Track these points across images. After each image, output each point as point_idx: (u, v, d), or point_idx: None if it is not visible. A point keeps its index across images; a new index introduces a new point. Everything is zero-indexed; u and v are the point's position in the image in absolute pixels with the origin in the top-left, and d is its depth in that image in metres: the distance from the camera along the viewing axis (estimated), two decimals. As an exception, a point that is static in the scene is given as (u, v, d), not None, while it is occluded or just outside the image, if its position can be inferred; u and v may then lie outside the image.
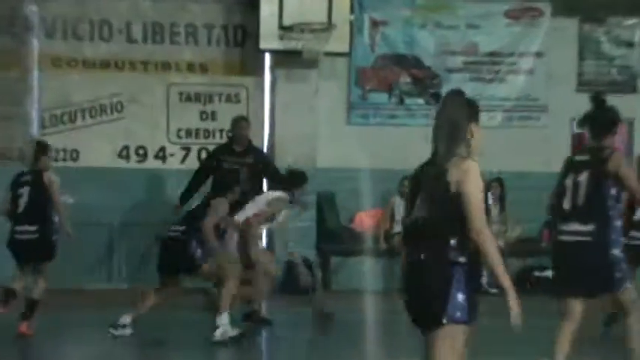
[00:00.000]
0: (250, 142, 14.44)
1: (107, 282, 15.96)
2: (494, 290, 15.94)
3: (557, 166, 16.58)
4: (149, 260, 13.41)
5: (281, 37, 15.80)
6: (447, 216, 6.04)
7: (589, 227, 8.38)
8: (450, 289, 5.98)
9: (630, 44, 17.74)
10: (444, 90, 16.66)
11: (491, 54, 17.33)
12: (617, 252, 8.31)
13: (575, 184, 8.50)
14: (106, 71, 16.26)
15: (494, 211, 16.73)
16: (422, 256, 6.05)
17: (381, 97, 16.74)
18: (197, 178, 14.06)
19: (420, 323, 6.13)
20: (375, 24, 16.92)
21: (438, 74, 17.18)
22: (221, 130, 15.94)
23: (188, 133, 16.29)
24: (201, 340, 11.67)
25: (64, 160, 15.88)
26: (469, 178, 6.00)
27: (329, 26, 15.74)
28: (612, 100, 16.82)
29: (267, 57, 16.42)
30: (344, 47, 16.15)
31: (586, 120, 8.84)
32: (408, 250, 6.19)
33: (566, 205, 8.53)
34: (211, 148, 15.30)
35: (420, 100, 17.11)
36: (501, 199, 16.82)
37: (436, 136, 6.14)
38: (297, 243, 14.41)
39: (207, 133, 16.33)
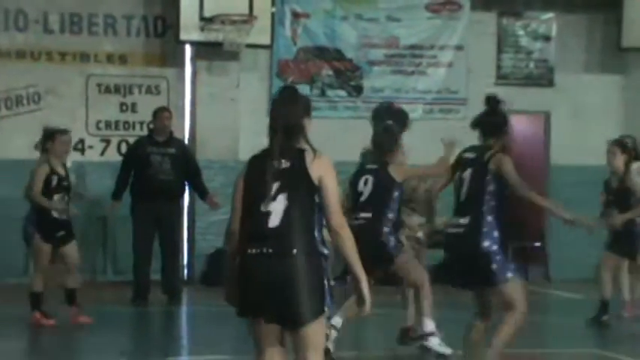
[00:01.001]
0: (172, 134, 14.51)
1: (24, 276, 15.17)
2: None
3: None
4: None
5: (202, 29, 15.76)
6: (309, 209, 6.23)
7: (465, 220, 8.56)
8: (324, 279, 6.23)
9: (547, 38, 17.82)
10: (366, 82, 17.25)
11: (412, 47, 17.34)
12: (488, 244, 8.38)
13: (461, 180, 8.67)
14: (21, 62, 16.11)
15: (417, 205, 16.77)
16: (294, 251, 6.14)
17: (303, 89, 15.87)
18: (125, 172, 14.04)
19: (294, 318, 6.16)
20: (296, 16, 16.92)
21: (360, 67, 17.18)
22: (141, 122, 15.85)
23: (108, 125, 16.16)
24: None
25: None
26: (330, 172, 6.29)
27: (250, 18, 15.69)
28: (529, 92, 17.48)
29: (188, 48, 16.42)
30: (265, 39, 16.20)
31: (478, 122, 8.99)
32: (268, 244, 6.18)
33: (455, 199, 8.74)
34: (131, 140, 15.31)
35: (342, 92, 17.12)
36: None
37: (273, 130, 6.35)
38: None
39: (127, 125, 16.21)
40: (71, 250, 12.13)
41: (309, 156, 6.29)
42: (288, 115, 6.38)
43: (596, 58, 18.00)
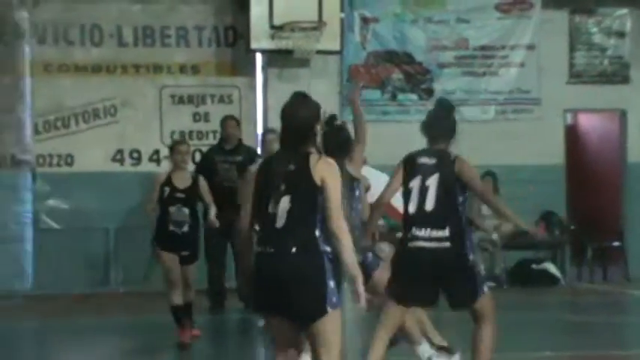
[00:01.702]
0: (240, 141, 14.61)
1: (102, 286, 15.90)
2: (490, 283, 15.93)
3: (550, 159, 16.97)
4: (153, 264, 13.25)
5: (272, 37, 15.78)
6: (311, 209, 6.32)
7: (445, 232, 8.06)
8: (325, 278, 6.26)
9: (621, 34, 17.73)
10: (436, 85, 17.15)
11: (483, 48, 17.28)
12: (473, 257, 8.09)
13: (423, 188, 8.15)
14: (97, 75, 16.21)
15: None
16: (293, 250, 6.26)
17: (374, 94, 16.62)
18: None
19: (298, 316, 6.27)
20: (365, 21, 16.88)
21: (430, 70, 17.14)
22: (214, 132, 15.76)
23: (181, 135, 16.09)
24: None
25: (59, 165, 15.92)
26: (334, 175, 6.37)
27: (319, 24, 15.73)
28: (604, 90, 17.33)
29: (259, 57, 16.40)
30: (335, 45, 16.17)
31: (429, 124, 8.50)
32: (273, 243, 6.30)
33: (412, 208, 8.17)
34: (205, 149, 15.24)
35: (413, 96, 17.05)
36: (496, 192, 16.35)
37: (287, 135, 6.49)
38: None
39: (201, 135, 16.24)
40: (192, 270, 11.69)
41: (313, 158, 6.39)
42: (300, 120, 6.48)
43: None
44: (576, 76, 17.57)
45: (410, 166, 8.26)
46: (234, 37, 16.45)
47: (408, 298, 8.09)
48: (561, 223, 17.35)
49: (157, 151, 16.05)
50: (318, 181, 6.34)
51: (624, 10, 17.68)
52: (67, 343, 12.03)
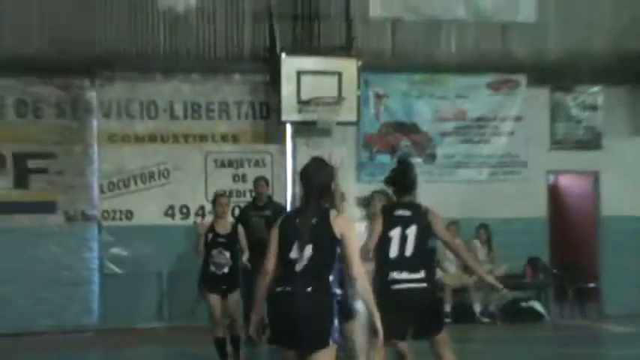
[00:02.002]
0: (270, 198, 14.79)
1: (158, 321, 16.01)
2: (485, 319, 16.40)
3: (535, 213, 17.11)
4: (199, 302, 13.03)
5: (299, 111, 15.95)
6: (330, 257, 6.51)
7: (421, 274, 8.13)
8: (332, 316, 6.47)
9: (594, 108, 17.74)
10: (439, 150, 17.05)
11: (478, 119, 17.32)
12: (441, 295, 8.30)
13: (404, 236, 8.16)
14: (153, 144, 16.30)
15: (483, 251, 16.85)
16: (308, 289, 6.44)
17: (386, 158, 16.54)
18: None
19: (304, 346, 6.43)
20: (378, 97, 17.00)
21: (433, 137, 17.14)
22: (250, 191, 15.61)
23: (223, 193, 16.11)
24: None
25: (121, 219, 16.02)
26: (351, 229, 6.61)
27: (339, 100, 15.93)
28: (580, 155, 17.46)
29: (288, 127, 16.49)
30: (353, 117, 16.24)
31: (394, 179, 8.55)
32: (291, 284, 6.46)
33: (393, 254, 8.18)
34: (242, 205, 15.23)
35: (419, 160, 16.81)
36: (488, 242, 16.90)
37: (307, 192, 6.66)
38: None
39: (239, 193, 16.27)
40: (230, 302, 11.65)
41: (332, 214, 6.59)
42: (319, 180, 6.63)
43: (636, 124, 17.72)
44: (557, 143, 17.61)
45: (388, 218, 8.26)
46: (267, 111, 16.59)
47: (391, 334, 7.62)
48: (545, 267, 17.39)
49: (202, 207, 16.09)
50: (338, 235, 6.52)
51: (596, 88, 17.71)
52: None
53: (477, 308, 16.72)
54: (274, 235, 6.73)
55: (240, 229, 12.03)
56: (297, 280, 6.48)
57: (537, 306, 17.15)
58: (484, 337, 15.44)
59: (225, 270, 11.72)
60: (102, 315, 15.88)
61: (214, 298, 11.60)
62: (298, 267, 6.50)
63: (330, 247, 6.55)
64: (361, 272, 6.61)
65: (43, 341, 14.87)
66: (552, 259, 17.59)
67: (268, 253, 6.73)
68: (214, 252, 11.71)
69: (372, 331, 6.67)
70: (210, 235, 11.77)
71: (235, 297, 11.80)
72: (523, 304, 17.07)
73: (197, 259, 11.96)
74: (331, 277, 6.54)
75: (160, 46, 16.44)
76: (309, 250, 6.52)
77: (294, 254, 6.52)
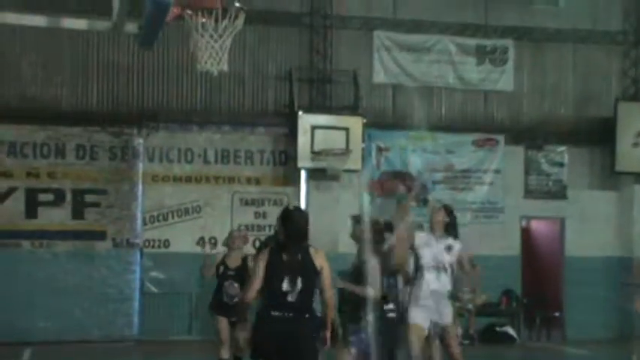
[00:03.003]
0: None
1: (188, 334, 15.96)
2: (466, 342, 16.41)
3: (510, 252, 17.20)
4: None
5: (312, 159, 16.04)
6: (313, 286, 6.76)
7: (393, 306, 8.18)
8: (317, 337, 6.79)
9: (561, 164, 17.74)
10: (430, 197, 16.64)
11: (464, 171, 17.31)
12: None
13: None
14: (188, 184, 16.31)
15: (466, 281, 16.88)
16: (306, 315, 6.66)
17: (384, 202, 15.79)
18: None
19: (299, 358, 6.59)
20: (379, 149, 17.00)
21: (426, 185, 17.05)
22: (270, 225, 15.46)
23: (247, 227, 16.00)
24: None
25: (159, 247, 16.06)
26: (327, 263, 6.85)
27: (346, 151, 16.02)
28: (549, 203, 17.51)
29: (303, 173, 16.51)
30: (357, 166, 16.25)
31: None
32: (289, 311, 6.59)
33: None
34: (262, 238, 14.57)
35: (413, 204, 15.94)
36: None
37: (291, 234, 6.79)
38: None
39: (260, 227, 16.21)
40: (238, 332, 10.56)
41: (312, 250, 6.78)
42: (303, 225, 6.85)
43: (597, 179, 17.75)
44: (529, 193, 17.62)
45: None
46: (285, 158, 16.61)
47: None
48: (518, 298, 17.33)
49: None
50: (318, 267, 6.75)
51: (563, 148, 17.68)
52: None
53: (459, 332, 16.77)
54: (260, 268, 6.76)
55: (251, 262, 10.83)
56: (294, 307, 6.60)
57: (510, 331, 17.14)
58: (465, 356, 15.46)
59: (236, 300, 10.84)
60: (141, 328, 15.87)
61: (223, 322, 10.94)
62: (291, 297, 6.62)
63: (313, 278, 6.74)
64: (332, 296, 6.97)
65: (92, 349, 14.93)
66: (524, 291, 17.51)
67: (253, 284, 6.75)
68: (226, 284, 11.03)
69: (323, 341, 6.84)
70: (222, 268, 11.13)
71: (244, 331, 10.47)
72: (498, 328, 17.07)
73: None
74: (313, 302, 6.78)
75: (197, 103, 16.58)
76: (299, 282, 6.65)
77: (285, 286, 6.62)
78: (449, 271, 9.00)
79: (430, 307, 8.78)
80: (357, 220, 9.10)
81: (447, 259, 8.99)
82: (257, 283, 6.70)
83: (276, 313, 6.58)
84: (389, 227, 8.94)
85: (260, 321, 6.67)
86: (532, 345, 17.01)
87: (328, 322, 6.82)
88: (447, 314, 8.85)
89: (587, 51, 17.97)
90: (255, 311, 6.84)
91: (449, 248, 9.10)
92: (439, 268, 8.92)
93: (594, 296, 17.24)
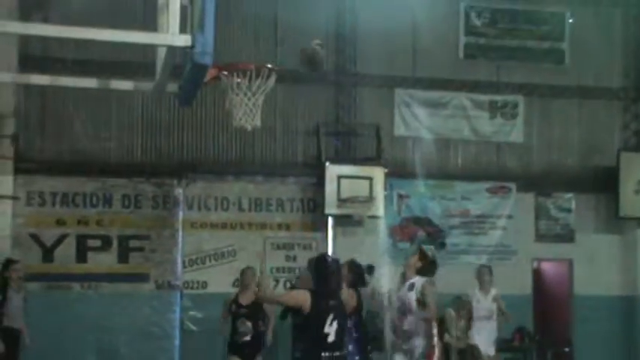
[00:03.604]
0: None
1: None
2: None
3: (523, 291, 17.00)
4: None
5: (339, 206, 15.93)
6: (346, 328, 7.13)
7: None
8: None
9: (569, 210, 17.61)
10: (448, 241, 16.89)
11: (479, 216, 17.22)
12: None
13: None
14: (224, 230, 16.24)
15: None
16: (344, 352, 6.90)
17: (405, 245, 16.44)
18: None
19: None
20: (400, 197, 16.90)
21: (443, 230, 17.01)
22: (299, 268, 15.27)
23: (278, 270, 16.06)
24: None
25: (198, 288, 15.93)
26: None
27: (370, 199, 15.93)
28: (559, 246, 17.35)
29: (330, 219, 16.37)
30: (380, 212, 16.17)
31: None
32: (333, 350, 6.79)
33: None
34: (293, 281, 14.87)
35: (432, 247, 17.01)
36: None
37: (331, 283, 6.96)
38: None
39: (291, 270, 16.06)
40: None
41: (342, 295, 7.04)
42: (339, 274, 7.06)
43: (602, 224, 17.64)
44: (540, 236, 17.45)
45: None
46: (314, 205, 16.48)
47: None
48: (530, 334, 17.17)
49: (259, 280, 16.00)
50: (348, 311, 7.17)
51: (570, 195, 17.54)
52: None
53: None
54: (303, 297, 6.91)
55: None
56: (334, 347, 6.72)
57: (524, 365, 16.89)
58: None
59: (247, 338, 10.53)
60: (182, 363, 15.84)
61: (235, 358, 10.45)
62: (330, 338, 6.74)
63: (346, 322, 6.98)
64: None
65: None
66: (536, 328, 17.33)
67: (283, 293, 7.18)
68: (237, 322, 10.65)
69: None
70: (234, 306, 10.70)
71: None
72: (512, 363, 16.78)
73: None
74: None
75: (232, 155, 16.58)
76: (335, 325, 6.81)
77: (327, 329, 6.76)
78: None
79: None
80: (309, 262, 8.90)
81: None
82: (284, 296, 7.05)
83: (326, 354, 6.69)
84: (370, 270, 9.16)
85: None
86: (544, 378, 16.75)
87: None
88: None
89: (591, 106, 17.97)
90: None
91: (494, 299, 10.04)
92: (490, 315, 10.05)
93: (601, 332, 17.08)
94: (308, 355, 6.76)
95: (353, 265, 9.63)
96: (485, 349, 10.40)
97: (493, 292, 10.84)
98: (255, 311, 10.50)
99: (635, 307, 17.18)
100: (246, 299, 10.66)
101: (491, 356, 9.96)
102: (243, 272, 11.04)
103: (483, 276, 11.07)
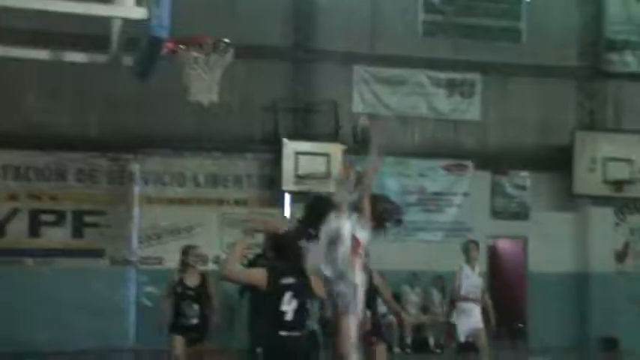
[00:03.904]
0: None
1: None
2: (437, 350, 16.12)
3: (478, 268, 17.11)
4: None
5: (296, 183, 15.97)
6: (310, 306, 6.77)
7: None
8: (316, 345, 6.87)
9: (524, 188, 17.80)
10: (405, 218, 16.54)
11: (435, 193, 17.35)
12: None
13: None
14: (181, 206, 16.24)
15: (438, 297, 16.79)
16: (303, 331, 6.52)
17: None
18: None
19: None
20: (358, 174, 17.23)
21: (401, 207, 17.19)
22: (257, 245, 14.37)
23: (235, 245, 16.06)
24: None
25: (154, 264, 15.82)
26: (321, 285, 6.73)
27: (328, 176, 15.82)
28: (514, 224, 17.50)
29: (287, 196, 16.37)
30: None
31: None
32: (289, 330, 6.44)
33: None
34: (250, 256, 14.22)
35: (389, 224, 17.12)
36: (443, 290, 16.75)
37: (289, 257, 6.61)
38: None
39: (248, 247, 16.02)
40: (195, 350, 9.68)
41: (308, 274, 6.64)
42: (299, 249, 6.71)
43: (556, 201, 17.78)
44: (495, 214, 17.66)
45: None
46: (271, 182, 16.51)
47: None
48: (485, 311, 17.06)
49: (217, 256, 15.50)
50: (315, 291, 6.65)
51: (526, 173, 17.75)
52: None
53: (431, 341, 16.74)
54: (260, 275, 6.56)
55: (211, 279, 9.93)
56: (295, 326, 6.44)
57: (478, 341, 17.15)
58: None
59: (194, 321, 9.70)
60: (137, 339, 15.66)
61: (179, 341, 9.68)
62: (290, 316, 6.44)
63: (310, 301, 6.61)
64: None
65: (91, 359, 14.81)
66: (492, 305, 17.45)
67: (234, 267, 6.58)
68: (183, 304, 9.77)
69: None
70: (180, 288, 9.82)
71: (201, 348, 9.77)
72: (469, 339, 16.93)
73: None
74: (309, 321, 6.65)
75: (189, 131, 16.48)
76: (296, 304, 6.48)
77: (284, 307, 6.45)
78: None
79: None
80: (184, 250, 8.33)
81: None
82: (243, 271, 6.74)
83: (283, 333, 6.43)
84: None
85: (270, 341, 6.52)
86: (499, 353, 16.54)
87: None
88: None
89: (547, 85, 18.09)
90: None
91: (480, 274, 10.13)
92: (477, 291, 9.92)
93: (555, 308, 17.25)
94: (265, 333, 6.53)
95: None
96: (475, 328, 10.13)
97: (478, 269, 10.72)
98: (202, 293, 9.75)
99: (587, 284, 17.34)
100: (192, 280, 9.87)
101: (481, 335, 9.71)
102: (186, 251, 10.15)
103: (471, 251, 10.98)
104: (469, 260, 10.56)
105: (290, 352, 6.38)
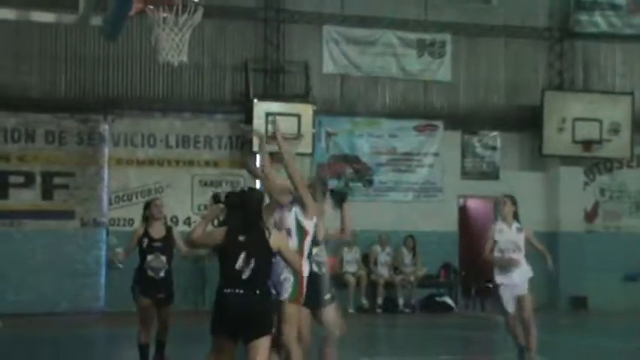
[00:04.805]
0: None
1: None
2: (407, 310, 16.48)
3: (449, 227, 17.36)
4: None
5: (266, 143, 15.84)
6: (268, 267, 6.41)
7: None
8: (271, 312, 6.49)
9: (494, 148, 17.95)
10: (375, 177, 17.12)
11: (405, 154, 17.41)
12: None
13: None
14: (152, 167, 16.28)
15: (409, 256, 16.93)
16: (257, 292, 6.25)
17: (333, 183, 16.08)
18: None
19: (250, 335, 6.22)
20: (328, 134, 17.05)
21: (371, 167, 17.18)
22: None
23: (205, 207, 15.49)
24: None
25: (124, 225, 15.85)
26: (285, 240, 6.61)
27: (298, 136, 16.01)
28: (483, 184, 17.66)
29: (258, 157, 16.07)
30: (308, 150, 16.30)
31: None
32: (241, 287, 6.20)
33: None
34: (221, 217, 15.08)
35: (359, 184, 17.06)
36: (413, 249, 16.96)
37: (247, 215, 6.30)
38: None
39: (217, 215, 15.75)
40: (165, 313, 9.18)
41: (267, 232, 6.36)
42: (257, 205, 6.40)
43: (526, 161, 17.96)
44: (466, 174, 17.80)
45: None
46: (241, 143, 16.50)
47: None
48: (455, 270, 17.47)
49: (188, 217, 15.90)
50: (274, 248, 6.35)
51: (496, 133, 17.91)
52: (130, 342, 10.19)
53: (401, 301, 16.90)
54: (219, 234, 6.40)
55: (176, 230, 9.59)
56: (246, 285, 6.24)
57: (448, 300, 17.25)
58: (406, 324, 15.64)
59: (162, 274, 9.17)
60: (107, 301, 15.74)
61: (148, 305, 9.15)
62: (244, 275, 6.25)
63: (268, 259, 6.39)
64: (298, 263, 6.67)
65: (61, 320, 14.81)
66: (461, 264, 17.67)
67: (202, 232, 6.43)
68: (150, 257, 9.18)
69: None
70: (146, 241, 9.23)
71: (170, 309, 9.26)
72: (437, 298, 17.17)
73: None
74: (269, 282, 6.46)
75: (159, 91, 16.46)
76: (252, 262, 6.28)
77: (239, 265, 6.25)
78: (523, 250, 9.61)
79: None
80: (215, 199, 8.42)
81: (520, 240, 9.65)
82: (206, 234, 6.42)
83: (229, 290, 6.22)
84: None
85: (219, 298, 6.31)
86: (468, 313, 17.13)
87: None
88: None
89: (517, 45, 18.19)
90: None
91: (519, 230, 9.70)
92: (515, 249, 9.54)
93: (524, 267, 17.43)
94: (219, 290, 6.29)
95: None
96: (515, 290, 9.55)
97: (516, 225, 9.96)
98: (168, 245, 9.24)
99: (557, 243, 17.42)
100: (157, 232, 9.26)
101: (523, 297, 9.45)
102: (150, 205, 9.48)
103: (502, 206, 9.99)
104: (502, 216, 10.04)
105: (235, 310, 6.19)
